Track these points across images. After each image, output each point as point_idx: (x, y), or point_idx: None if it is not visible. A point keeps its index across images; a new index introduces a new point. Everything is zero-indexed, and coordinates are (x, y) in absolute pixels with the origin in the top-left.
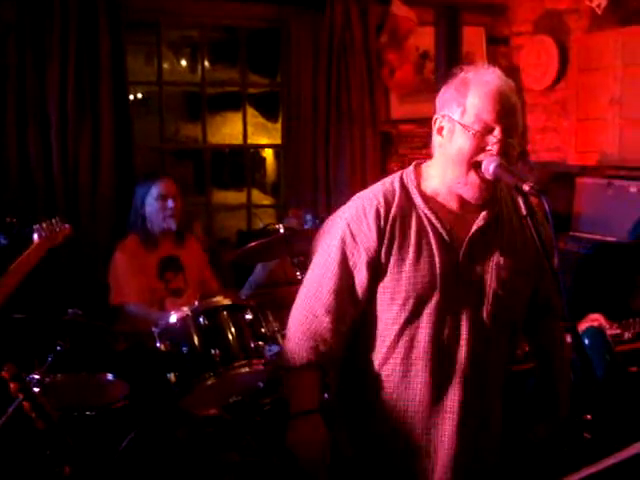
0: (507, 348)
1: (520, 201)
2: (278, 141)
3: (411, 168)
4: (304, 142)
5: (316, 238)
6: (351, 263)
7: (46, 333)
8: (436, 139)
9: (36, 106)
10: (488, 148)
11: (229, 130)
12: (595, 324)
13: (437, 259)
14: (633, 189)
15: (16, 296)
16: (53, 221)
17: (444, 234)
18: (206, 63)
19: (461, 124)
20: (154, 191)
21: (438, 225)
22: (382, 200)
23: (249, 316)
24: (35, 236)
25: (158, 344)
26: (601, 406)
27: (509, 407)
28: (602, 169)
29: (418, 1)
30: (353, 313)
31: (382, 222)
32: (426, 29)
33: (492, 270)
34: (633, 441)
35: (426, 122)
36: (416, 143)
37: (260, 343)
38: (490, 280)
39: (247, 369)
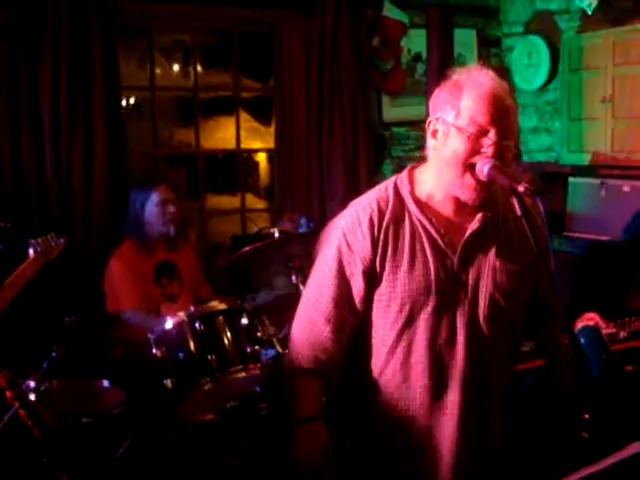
0: (507, 349)
1: (515, 202)
2: (271, 145)
3: (405, 173)
4: (297, 146)
5: (316, 247)
6: (348, 272)
7: (42, 339)
8: (430, 142)
9: (29, 111)
10: (483, 150)
11: (222, 135)
12: (591, 323)
13: (432, 265)
14: (626, 188)
15: (12, 303)
16: (48, 236)
17: (438, 239)
18: (199, 68)
19: (455, 127)
20: (155, 197)
21: (432, 230)
22: (376, 208)
23: (245, 321)
24: (31, 251)
25: (154, 350)
26: (598, 405)
27: (505, 407)
28: (595, 169)
29: (409, 4)
30: (352, 321)
31: (376, 231)
32: (418, 32)
33: (488, 273)
34: (630, 440)
35: (419, 124)
36: (409, 146)
37: (256, 347)
38: (486, 283)
39: (244, 374)
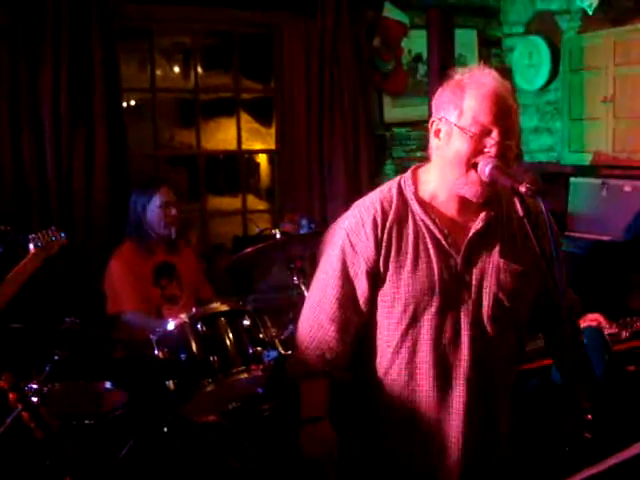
0: (512, 349)
1: (517, 202)
2: (272, 146)
3: (409, 174)
4: (298, 147)
5: (319, 247)
6: (352, 273)
7: (44, 342)
8: (433, 142)
9: (30, 112)
10: (486, 150)
11: (223, 136)
12: (594, 324)
13: (435, 265)
14: (627, 188)
15: (13, 305)
16: (49, 231)
17: (442, 239)
18: (199, 69)
19: (458, 127)
20: (157, 199)
21: (435, 231)
22: (379, 208)
23: (247, 322)
24: (31, 246)
25: (156, 351)
26: (600, 406)
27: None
28: (596, 169)
29: (410, 5)
30: (357, 321)
31: (379, 231)
32: (418, 32)
33: (491, 273)
34: (633, 440)
35: (420, 125)
36: (410, 146)
37: (258, 349)
38: (490, 283)
39: (246, 375)
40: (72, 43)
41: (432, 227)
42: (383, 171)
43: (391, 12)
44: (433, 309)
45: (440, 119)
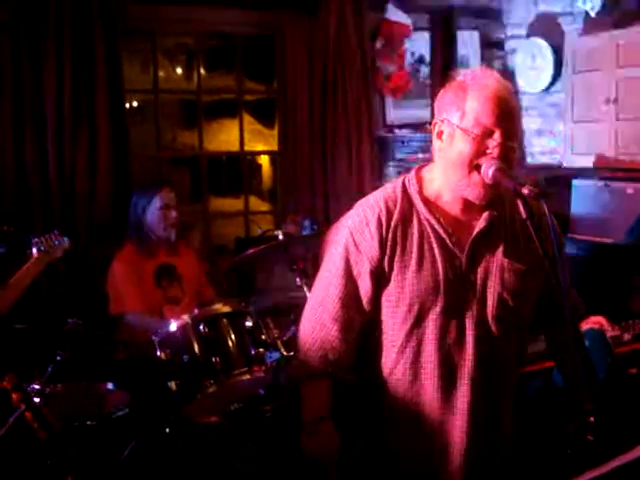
0: (516, 349)
1: (520, 205)
2: (275, 147)
3: (412, 173)
4: (301, 148)
5: (322, 247)
6: (355, 272)
7: (46, 343)
8: (436, 143)
9: (32, 114)
10: (488, 152)
11: (226, 137)
12: (596, 326)
13: (440, 264)
14: (630, 190)
15: (16, 306)
16: (52, 235)
17: (446, 238)
18: (202, 70)
19: (461, 128)
20: (157, 201)
21: (440, 230)
22: (384, 207)
23: (249, 323)
24: (34, 250)
25: (158, 353)
26: (603, 408)
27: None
28: (599, 171)
29: (412, 6)
30: (360, 321)
31: (384, 230)
32: (421, 34)
33: (496, 272)
34: (635, 443)
35: (422, 126)
36: (413, 148)
37: (260, 350)
38: (494, 282)
39: (248, 376)
40: (75, 43)
41: (437, 226)
42: (385, 172)
43: (394, 14)
44: (438, 309)
45: (442, 121)
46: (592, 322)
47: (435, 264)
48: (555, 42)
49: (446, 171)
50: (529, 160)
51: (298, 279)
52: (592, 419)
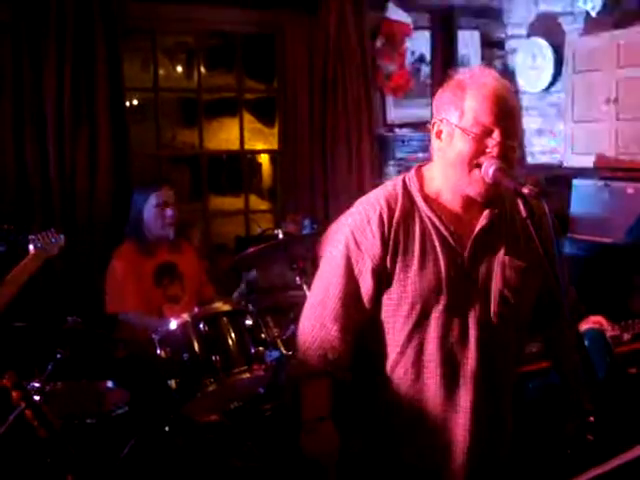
0: (516, 348)
1: (520, 204)
2: (275, 146)
3: (413, 171)
4: (301, 147)
5: (321, 246)
6: (356, 271)
7: (46, 341)
8: (435, 143)
9: (33, 112)
10: (488, 151)
11: (226, 136)
12: (596, 326)
13: (442, 262)
14: (630, 190)
15: (15, 304)
16: (49, 232)
17: (448, 236)
18: (202, 69)
19: (460, 128)
20: (153, 199)
21: (442, 228)
22: (385, 205)
23: (249, 322)
24: (31, 247)
25: (158, 351)
26: (602, 408)
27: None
28: (599, 171)
29: (413, 5)
30: (360, 320)
31: (386, 228)
32: (421, 33)
33: (497, 270)
34: (635, 442)
35: (423, 126)
36: (413, 147)
37: (260, 349)
38: (496, 280)
39: (248, 375)
40: (76, 42)
41: (438, 224)
42: (385, 171)
43: (394, 12)
44: (440, 307)
45: (441, 120)
46: (592, 322)
47: (437, 262)
48: (555, 42)
49: (446, 170)
50: (529, 160)
51: (298, 278)
52: (592, 419)
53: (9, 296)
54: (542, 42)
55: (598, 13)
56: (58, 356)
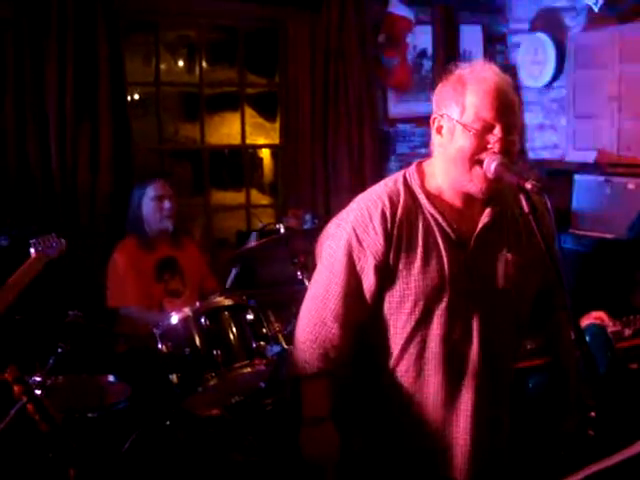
0: (515, 346)
1: (522, 199)
2: (276, 141)
3: (413, 167)
4: (302, 142)
5: (318, 243)
6: (358, 268)
7: (47, 335)
8: (435, 138)
9: (35, 107)
10: (489, 146)
11: (227, 130)
12: (597, 322)
13: (445, 259)
14: (631, 186)
15: (17, 298)
16: (49, 236)
17: (451, 233)
18: (204, 63)
19: (461, 123)
20: (150, 192)
21: (444, 224)
22: (387, 202)
23: (250, 316)
24: (32, 250)
25: (160, 345)
26: (603, 403)
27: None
28: (600, 166)
29: (415, 0)
30: (362, 318)
31: (389, 225)
32: (424, 28)
33: (499, 267)
34: (636, 438)
35: (424, 121)
36: (414, 142)
37: (262, 343)
38: (498, 277)
39: (249, 369)
40: (77, 37)
41: (441, 220)
42: (387, 167)
43: (396, 7)
44: (443, 304)
45: (442, 116)
46: (593, 317)
47: (441, 259)
48: (558, 37)
49: (447, 166)
50: (531, 155)
51: (299, 273)
52: (593, 414)
53: (10, 300)
54: (544, 37)
55: (600, 8)
56: (59, 350)
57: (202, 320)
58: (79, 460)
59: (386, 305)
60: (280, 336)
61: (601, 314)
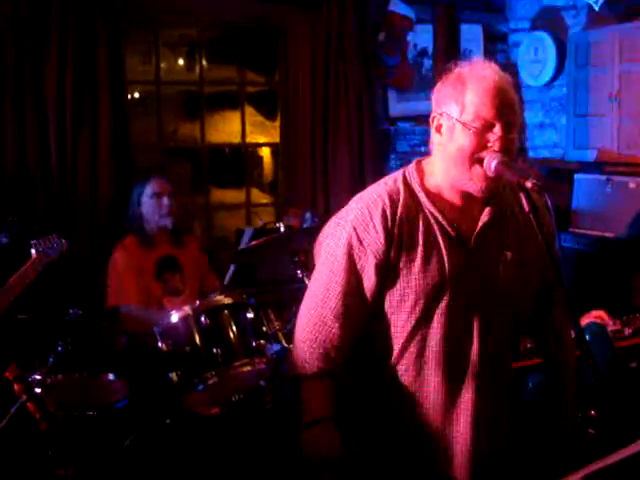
0: (514, 345)
1: (522, 198)
2: (276, 140)
3: (413, 166)
4: (302, 140)
5: (317, 242)
6: (359, 267)
7: (47, 333)
8: (435, 137)
9: (34, 106)
10: (489, 145)
11: (227, 129)
12: (597, 320)
13: (446, 258)
14: (632, 185)
15: (17, 297)
16: (50, 237)
17: (451, 232)
18: (204, 62)
19: (460, 122)
20: (149, 190)
21: (445, 223)
22: (388, 201)
23: (250, 315)
24: (32, 251)
25: (160, 344)
26: (603, 402)
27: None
28: (601, 165)
29: None
30: (362, 317)
31: (389, 223)
32: (424, 27)
33: (499, 266)
34: (636, 437)
35: (425, 120)
36: (415, 141)
37: (262, 342)
38: (498, 276)
39: (249, 368)
40: (77, 35)
41: (441, 219)
42: (387, 165)
43: (397, 6)
44: (444, 303)
45: (441, 114)
46: (593, 316)
47: (441, 258)
48: (558, 36)
49: (446, 165)
50: (531, 154)
51: (299, 271)
52: (593, 413)
53: (10, 301)
54: (545, 36)
55: (601, 7)
56: (59, 348)
57: (202, 318)
58: (78, 458)
59: (386, 304)
60: (280, 334)
61: (601, 313)
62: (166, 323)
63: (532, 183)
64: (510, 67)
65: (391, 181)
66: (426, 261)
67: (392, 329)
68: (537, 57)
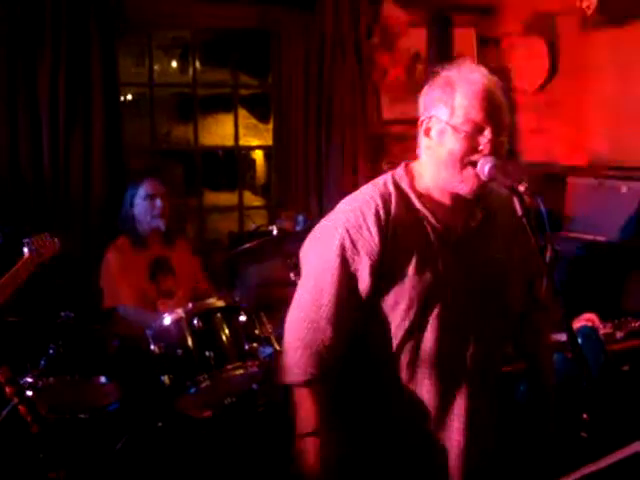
0: (503, 349)
1: (515, 201)
2: (269, 142)
3: (402, 168)
4: (295, 143)
5: (304, 247)
6: (352, 269)
7: (39, 336)
8: (423, 141)
9: (27, 108)
10: (480, 148)
11: (221, 131)
12: (589, 324)
13: (439, 259)
14: (624, 189)
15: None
16: (43, 236)
17: (443, 233)
18: (197, 64)
19: (450, 125)
20: (142, 191)
21: (437, 225)
22: (380, 202)
23: (243, 318)
24: (25, 250)
25: (152, 346)
26: (596, 405)
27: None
28: (593, 169)
29: (409, 2)
30: (355, 320)
31: (383, 224)
32: (417, 30)
33: (491, 267)
34: (629, 440)
35: (418, 123)
36: (407, 144)
37: (254, 345)
38: (490, 278)
39: (241, 371)
40: (70, 37)
41: (433, 221)
42: (380, 169)
43: (390, 10)
44: (438, 307)
45: (430, 118)
46: (584, 319)
47: (435, 259)
48: (551, 40)
49: (436, 168)
50: (524, 158)
51: (292, 274)
52: (586, 416)
53: (1, 301)
54: (537, 40)
55: (594, 11)
56: (51, 351)
57: (194, 321)
58: (70, 461)
59: (380, 307)
60: (272, 338)
61: (592, 316)
62: (158, 326)
63: (524, 186)
64: (503, 71)
65: (381, 183)
66: (420, 262)
67: (386, 333)
68: (530, 61)
